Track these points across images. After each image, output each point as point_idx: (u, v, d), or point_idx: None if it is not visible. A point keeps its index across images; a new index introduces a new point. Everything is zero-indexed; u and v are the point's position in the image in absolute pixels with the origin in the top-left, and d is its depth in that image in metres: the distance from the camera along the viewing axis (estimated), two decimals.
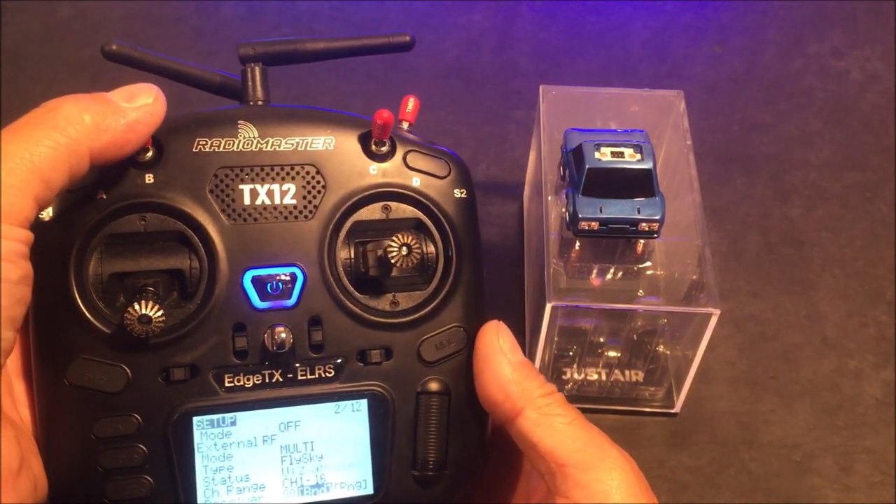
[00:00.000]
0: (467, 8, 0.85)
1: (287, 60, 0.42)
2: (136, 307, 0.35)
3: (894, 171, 0.74)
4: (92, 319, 0.37)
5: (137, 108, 0.35)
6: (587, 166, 0.53)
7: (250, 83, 0.41)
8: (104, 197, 0.37)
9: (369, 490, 0.40)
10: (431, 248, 0.40)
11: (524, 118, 0.75)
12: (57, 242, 0.36)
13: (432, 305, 0.40)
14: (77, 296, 0.36)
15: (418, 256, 0.38)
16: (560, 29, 0.84)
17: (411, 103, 0.42)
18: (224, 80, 0.42)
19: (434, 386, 0.41)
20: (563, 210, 0.57)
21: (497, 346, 0.39)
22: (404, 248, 0.38)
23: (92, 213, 0.37)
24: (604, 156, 0.53)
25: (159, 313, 0.36)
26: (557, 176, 0.60)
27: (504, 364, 0.39)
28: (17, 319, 0.33)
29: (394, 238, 0.38)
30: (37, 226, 0.34)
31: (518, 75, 0.80)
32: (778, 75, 0.82)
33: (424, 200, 0.40)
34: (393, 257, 0.38)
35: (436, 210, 0.40)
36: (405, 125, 0.41)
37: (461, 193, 0.41)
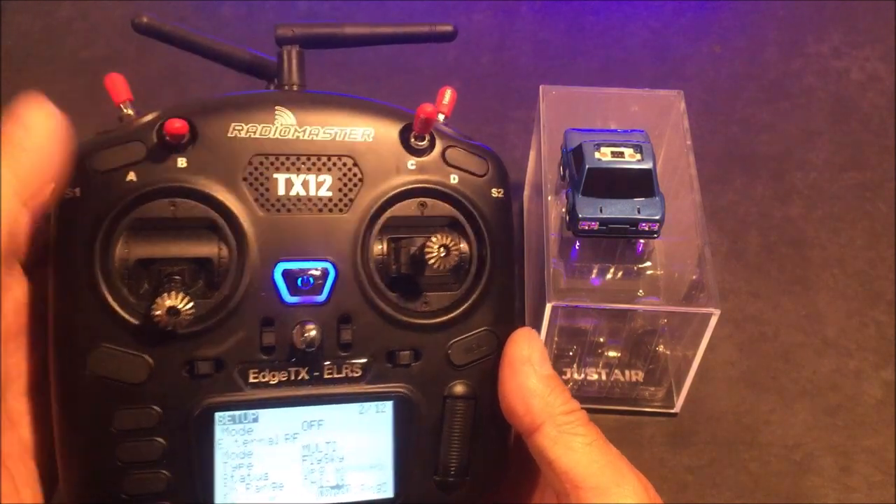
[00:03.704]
0: (467, 8, 0.85)
1: (326, 44, 0.41)
2: (166, 297, 0.34)
3: (894, 171, 0.74)
4: (116, 307, 0.35)
5: (42, 137, 0.33)
6: (587, 166, 0.53)
7: (286, 66, 0.40)
8: (134, 179, 0.35)
9: (389, 493, 0.39)
10: (466, 247, 0.39)
11: (524, 118, 0.75)
12: (83, 224, 0.35)
13: (464, 307, 0.39)
14: (102, 281, 0.35)
15: (456, 258, 0.37)
16: (560, 29, 0.84)
17: (448, 95, 0.40)
18: (254, 59, 0.41)
19: (461, 390, 0.39)
20: (563, 210, 0.57)
21: (526, 355, 0.38)
22: (442, 249, 0.37)
23: (121, 196, 0.35)
24: (604, 156, 0.53)
25: (189, 305, 0.35)
26: (557, 176, 0.60)
27: (530, 375, 0.38)
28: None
29: (432, 238, 0.37)
30: (65, 202, 0.34)
31: (518, 75, 0.80)
32: (778, 75, 0.82)
33: (462, 199, 0.39)
34: (431, 257, 0.37)
35: (472, 209, 0.39)
36: (441, 118, 0.40)
37: (498, 193, 0.40)
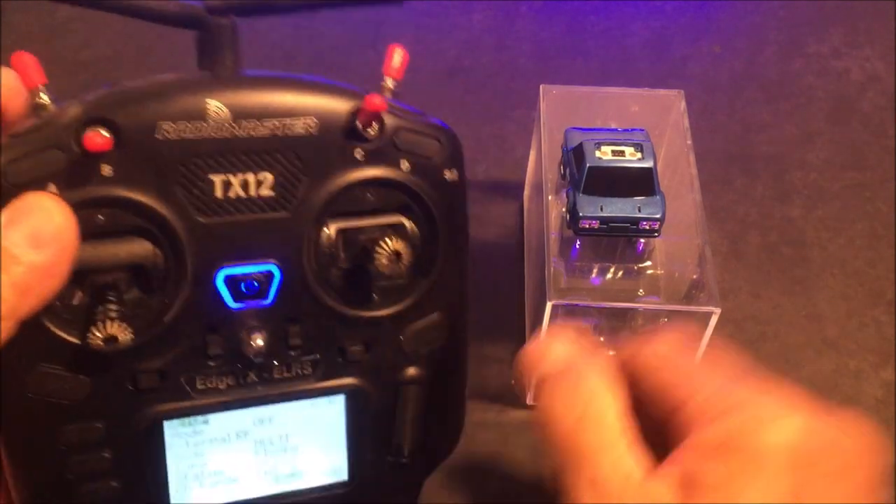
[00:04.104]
0: (467, 8, 0.85)
1: (263, 11, 0.36)
2: (101, 327, 0.32)
3: (895, 171, 0.74)
4: (49, 325, 0.33)
5: (49, 250, 0.30)
6: (588, 165, 0.53)
7: (217, 42, 0.34)
8: (55, 192, 0.31)
9: (344, 476, 0.39)
10: (417, 233, 0.37)
11: (524, 118, 0.75)
12: None
13: (414, 297, 0.38)
14: None
15: (407, 263, 0.35)
16: (560, 29, 0.84)
17: (398, 55, 0.36)
18: (182, 10, 0.34)
19: (412, 375, 0.39)
20: (564, 209, 0.57)
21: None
22: (394, 256, 0.35)
23: None
24: (604, 154, 0.53)
25: (127, 333, 0.32)
26: (558, 175, 0.60)
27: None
28: None
29: (381, 243, 0.35)
30: None
31: (518, 75, 0.80)
32: (778, 75, 0.82)
33: (412, 186, 0.36)
34: (381, 266, 0.35)
35: (423, 196, 0.36)
36: (390, 81, 0.36)
37: (451, 175, 0.37)
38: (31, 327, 0.32)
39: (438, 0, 0.84)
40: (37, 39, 0.78)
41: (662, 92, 0.64)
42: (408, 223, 0.37)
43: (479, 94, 0.78)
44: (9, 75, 0.33)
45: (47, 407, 0.34)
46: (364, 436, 0.39)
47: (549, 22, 0.85)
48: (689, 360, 0.37)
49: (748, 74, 0.82)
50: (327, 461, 0.40)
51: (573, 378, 0.36)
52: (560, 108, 0.63)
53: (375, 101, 0.34)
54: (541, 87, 0.63)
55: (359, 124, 0.34)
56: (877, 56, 0.83)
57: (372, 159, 0.35)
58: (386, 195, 0.36)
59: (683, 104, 0.62)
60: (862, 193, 0.73)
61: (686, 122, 0.61)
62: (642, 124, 0.60)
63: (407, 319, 0.38)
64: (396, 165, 0.36)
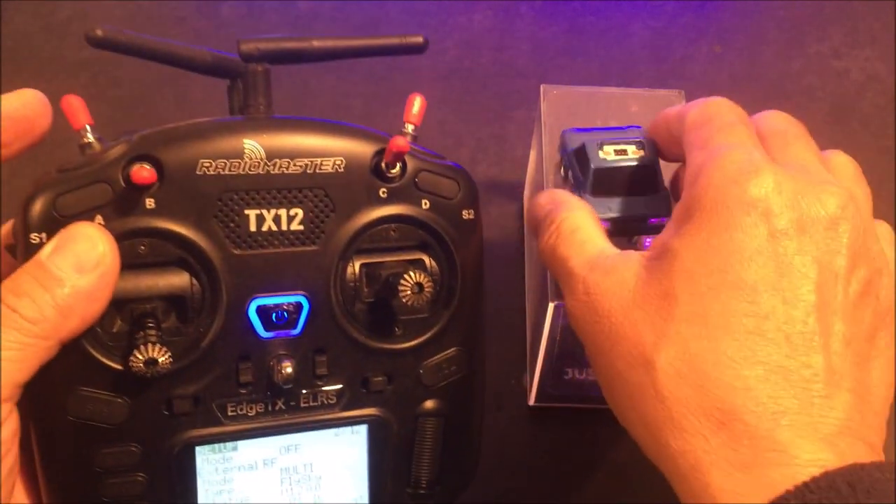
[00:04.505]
0: (467, 8, 0.84)
1: (294, 60, 0.39)
2: (143, 350, 0.34)
3: (894, 172, 0.74)
4: (91, 350, 0.35)
5: (92, 275, 0.33)
6: (593, 167, 0.53)
7: (252, 87, 0.38)
8: (101, 223, 0.34)
9: None
10: (437, 269, 0.39)
11: (524, 118, 0.75)
12: None
13: (434, 331, 0.40)
14: None
15: (430, 295, 0.37)
16: (560, 29, 0.84)
17: (417, 103, 0.39)
18: (216, 60, 0.39)
19: (432, 408, 0.41)
20: None
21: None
22: (416, 287, 0.37)
23: None
24: (608, 154, 0.53)
25: (165, 356, 0.34)
26: (557, 176, 0.60)
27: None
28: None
29: (405, 276, 0.37)
30: (32, 249, 0.33)
31: (518, 75, 0.80)
32: (778, 75, 0.82)
33: (433, 225, 0.39)
34: (405, 296, 0.37)
35: (443, 234, 0.39)
36: (410, 128, 0.39)
37: (468, 214, 0.40)
38: (73, 352, 0.34)
39: (438, 0, 0.84)
40: (36, 39, 0.78)
41: (663, 92, 0.64)
42: (427, 260, 0.39)
43: (479, 94, 0.78)
44: (35, 95, 0.35)
45: (86, 430, 0.36)
46: (385, 467, 0.41)
47: (549, 22, 0.85)
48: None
49: (748, 74, 0.82)
50: (349, 491, 0.41)
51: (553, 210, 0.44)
52: (560, 109, 0.63)
53: (399, 142, 0.37)
54: (541, 87, 0.63)
55: (383, 165, 0.37)
56: (877, 56, 0.83)
57: (395, 198, 0.38)
58: (407, 233, 0.39)
59: (684, 103, 0.62)
60: None
61: None
62: (643, 124, 0.60)
63: (427, 353, 0.40)
64: (418, 204, 0.39)
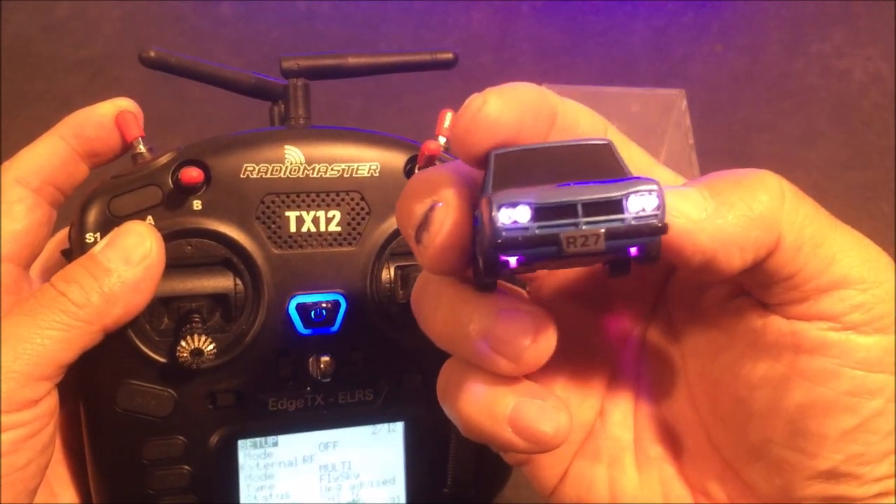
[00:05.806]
0: (467, 7, 0.84)
1: (331, 75, 0.42)
2: (189, 340, 0.36)
3: (895, 172, 0.74)
4: (140, 345, 0.37)
5: (138, 268, 0.35)
6: None
7: (292, 100, 0.41)
8: (152, 223, 0.37)
9: None
10: None
11: None
12: None
13: None
14: None
15: None
16: (560, 28, 0.84)
17: (448, 118, 0.41)
18: (259, 83, 0.42)
19: None
20: None
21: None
22: None
23: None
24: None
25: (210, 346, 0.36)
26: None
27: None
28: (31, 492, 0.34)
29: None
30: (87, 247, 0.35)
31: (518, 75, 0.80)
32: (780, 74, 0.81)
33: None
34: None
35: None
36: (442, 140, 0.41)
37: None
38: (123, 345, 0.36)
39: (438, 0, 0.84)
40: (36, 39, 0.78)
41: (664, 91, 0.64)
42: None
43: None
44: (106, 115, 0.37)
45: (134, 421, 0.37)
46: (421, 466, 0.42)
47: (550, 21, 0.84)
48: None
49: (750, 74, 0.81)
50: (386, 490, 0.42)
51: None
52: None
53: (431, 145, 0.39)
54: (542, 86, 0.63)
55: (417, 169, 0.39)
56: (879, 56, 0.83)
57: None
58: None
59: (685, 103, 0.62)
60: (864, 193, 0.72)
61: (688, 122, 0.61)
62: (644, 124, 0.60)
63: None
64: None
